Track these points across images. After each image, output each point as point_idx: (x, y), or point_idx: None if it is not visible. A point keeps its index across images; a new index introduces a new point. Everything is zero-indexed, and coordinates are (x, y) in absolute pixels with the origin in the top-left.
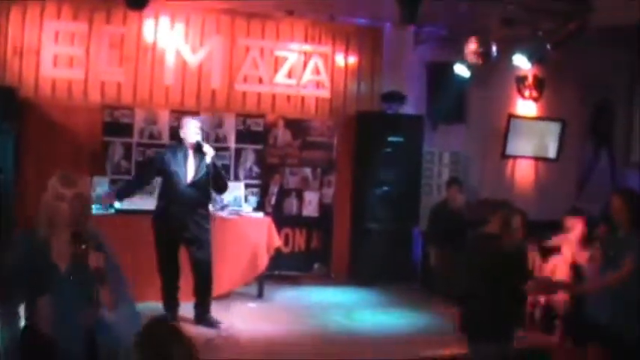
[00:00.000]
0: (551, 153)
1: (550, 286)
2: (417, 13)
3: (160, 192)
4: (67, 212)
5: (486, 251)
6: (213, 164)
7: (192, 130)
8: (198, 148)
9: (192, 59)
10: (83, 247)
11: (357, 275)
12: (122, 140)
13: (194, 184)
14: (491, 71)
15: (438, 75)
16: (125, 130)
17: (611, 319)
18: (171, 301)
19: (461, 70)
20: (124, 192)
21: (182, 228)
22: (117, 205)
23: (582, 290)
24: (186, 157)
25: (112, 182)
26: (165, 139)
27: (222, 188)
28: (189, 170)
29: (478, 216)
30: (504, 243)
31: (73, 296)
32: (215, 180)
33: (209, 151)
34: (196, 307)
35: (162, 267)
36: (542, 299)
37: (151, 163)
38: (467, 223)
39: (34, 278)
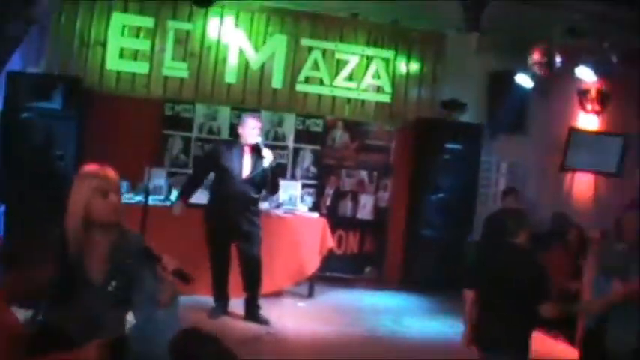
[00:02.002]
0: (612, 168)
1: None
2: (480, 20)
3: (214, 187)
4: (109, 209)
5: (510, 263)
6: (271, 168)
7: (250, 130)
8: (256, 149)
9: (255, 58)
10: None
11: (408, 280)
12: (182, 134)
13: (249, 180)
14: (554, 82)
15: (500, 84)
16: (185, 124)
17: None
18: (221, 295)
19: (523, 80)
20: (189, 193)
21: (234, 224)
22: (173, 197)
23: (592, 309)
24: (242, 153)
25: (170, 175)
26: (225, 135)
27: (274, 191)
28: (245, 167)
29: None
30: (530, 256)
31: (104, 302)
32: (271, 183)
33: (268, 155)
34: (246, 303)
35: (213, 261)
36: None
37: (207, 158)
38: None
39: (62, 279)
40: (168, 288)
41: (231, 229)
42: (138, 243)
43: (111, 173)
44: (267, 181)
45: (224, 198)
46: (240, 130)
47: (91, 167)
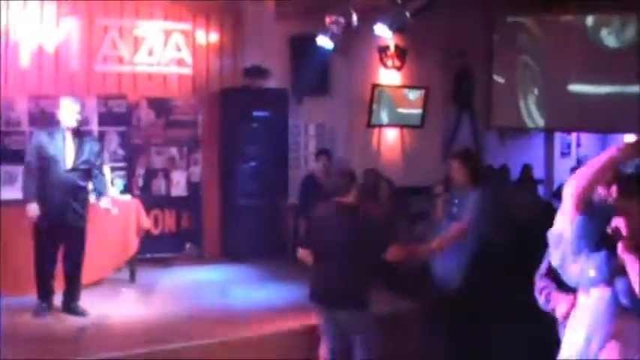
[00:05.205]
0: (416, 120)
1: (410, 250)
2: None
3: (37, 179)
4: None
5: (345, 221)
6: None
7: (69, 113)
8: (76, 132)
9: (49, 42)
10: None
11: (229, 252)
12: None
13: (74, 169)
14: (354, 42)
15: (301, 48)
16: None
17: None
18: (48, 290)
19: (323, 41)
20: (32, 191)
21: (62, 215)
22: None
23: (433, 248)
24: (64, 140)
25: None
26: (25, 125)
27: (106, 191)
28: (69, 154)
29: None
30: (362, 213)
31: None
32: (102, 183)
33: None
34: (65, 295)
35: (38, 257)
36: None
37: (33, 149)
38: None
39: None
40: None
41: (59, 220)
42: None
43: None
44: (96, 175)
45: (50, 189)
46: (59, 115)
47: None
